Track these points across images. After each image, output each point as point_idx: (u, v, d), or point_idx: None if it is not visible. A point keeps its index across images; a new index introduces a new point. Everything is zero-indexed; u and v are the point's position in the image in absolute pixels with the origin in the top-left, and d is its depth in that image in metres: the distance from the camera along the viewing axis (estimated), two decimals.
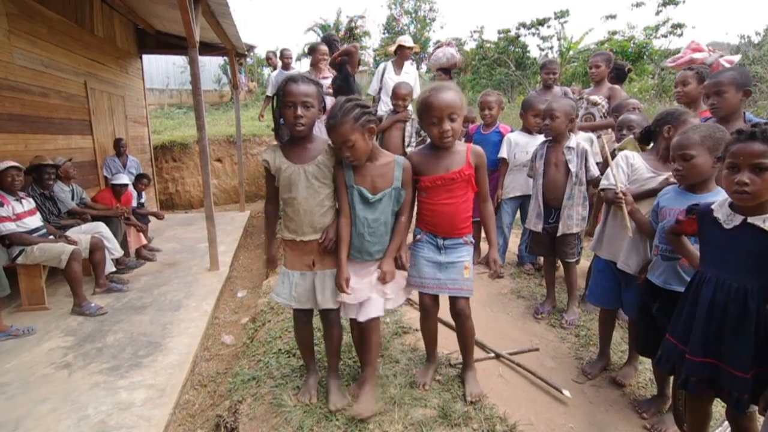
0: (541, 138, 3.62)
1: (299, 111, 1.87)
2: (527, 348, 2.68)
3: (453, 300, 2.10)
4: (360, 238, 1.96)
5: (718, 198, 1.75)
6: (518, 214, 3.93)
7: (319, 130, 2.42)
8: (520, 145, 3.64)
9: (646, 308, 2.02)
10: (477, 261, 3.84)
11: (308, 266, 2.03)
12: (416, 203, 2.15)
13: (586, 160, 2.89)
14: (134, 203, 5.57)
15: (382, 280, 1.98)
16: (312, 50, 5.61)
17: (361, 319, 2.00)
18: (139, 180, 5.85)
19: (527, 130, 3.72)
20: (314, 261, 2.02)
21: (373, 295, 2.00)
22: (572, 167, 2.84)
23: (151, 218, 5.81)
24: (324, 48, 5.52)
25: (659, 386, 2.19)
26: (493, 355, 2.56)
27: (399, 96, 3.96)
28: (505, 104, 4.44)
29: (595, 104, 4.12)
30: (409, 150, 3.94)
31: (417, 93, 5.40)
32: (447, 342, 2.62)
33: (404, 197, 2.01)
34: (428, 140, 4.10)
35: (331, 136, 1.90)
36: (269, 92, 6.65)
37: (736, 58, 4.53)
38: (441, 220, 2.05)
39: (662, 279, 1.93)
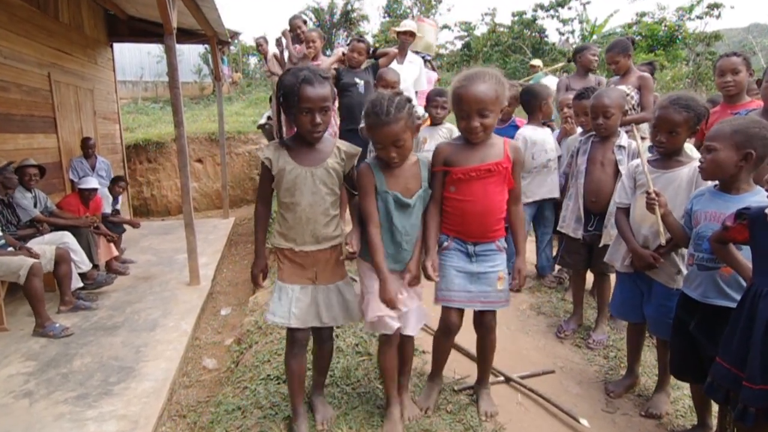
0: (550, 131, 3.62)
1: (317, 118, 1.87)
2: (541, 370, 2.66)
3: (481, 312, 2.16)
4: (397, 248, 2.01)
5: (756, 198, 1.73)
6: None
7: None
8: (538, 143, 3.59)
9: (682, 325, 2.00)
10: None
11: (310, 279, 2.03)
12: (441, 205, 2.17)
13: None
14: (108, 209, 5.58)
15: (412, 282, 2.04)
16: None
17: (414, 333, 2.12)
18: (116, 183, 5.87)
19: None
20: (317, 274, 2.03)
21: (414, 304, 2.09)
22: (622, 169, 2.75)
23: (126, 227, 5.82)
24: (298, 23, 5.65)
25: (700, 415, 2.17)
26: (502, 378, 2.53)
27: (387, 83, 3.94)
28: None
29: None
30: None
31: (423, 84, 5.43)
32: (459, 365, 2.60)
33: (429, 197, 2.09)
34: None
35: (378, 134, 1.89)
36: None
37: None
38: (472, 221, 2.05)
39: (700, 292, 1.91)
